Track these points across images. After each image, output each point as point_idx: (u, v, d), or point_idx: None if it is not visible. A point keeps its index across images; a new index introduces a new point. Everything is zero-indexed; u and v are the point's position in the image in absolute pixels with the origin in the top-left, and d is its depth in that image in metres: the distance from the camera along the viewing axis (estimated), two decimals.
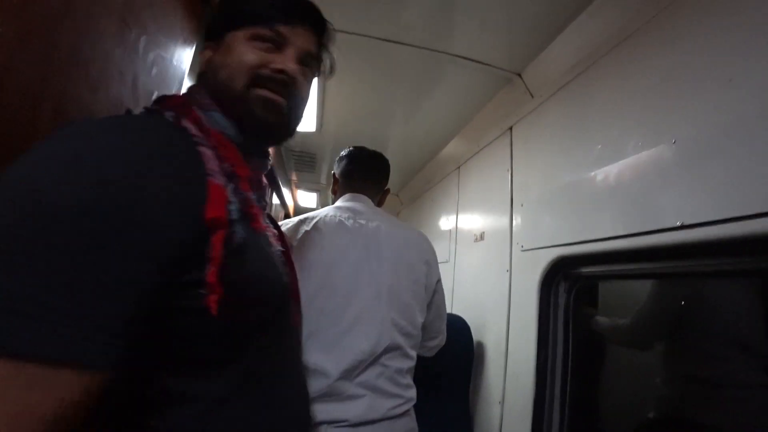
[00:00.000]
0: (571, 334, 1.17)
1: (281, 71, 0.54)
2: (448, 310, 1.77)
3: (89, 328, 0.31)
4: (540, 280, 1.18)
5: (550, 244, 1.16)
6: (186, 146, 0.41)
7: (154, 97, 0.70)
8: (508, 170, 1.41)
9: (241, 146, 0.53)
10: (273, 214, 2.83)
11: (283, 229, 0.81)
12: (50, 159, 0.32)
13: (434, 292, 1.12)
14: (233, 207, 0.42)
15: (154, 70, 0.75)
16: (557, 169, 1.18)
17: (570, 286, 1.18)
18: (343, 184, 1.17)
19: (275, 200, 2.71)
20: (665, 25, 0.84)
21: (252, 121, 0.53)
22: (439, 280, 1.15)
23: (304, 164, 2.43)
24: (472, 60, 1.25)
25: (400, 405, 0.93)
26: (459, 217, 1.82)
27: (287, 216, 3.53)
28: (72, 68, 0.54)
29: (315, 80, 0.69)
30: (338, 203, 1.12)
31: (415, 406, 1.00)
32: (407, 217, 2.74)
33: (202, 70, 0.58)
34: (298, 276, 0.66)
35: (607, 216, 0.94)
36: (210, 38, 0.59)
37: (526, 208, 1.31)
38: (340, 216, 1.04)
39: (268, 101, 0.53)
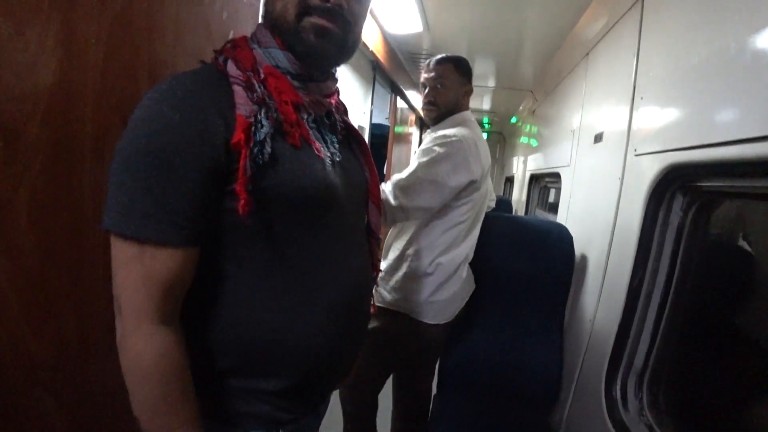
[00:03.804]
0: (679, 260, 0.97)
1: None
2: (560, 220, 1.65)
3: (169, 222, 0.46)
4: (647, 192, 0.98)
5: (663, 149, 0.92)
6: (219, 89, 0.51)
7: (230, 36, 0.85)
8: (634, 54, 1.10)
9: (299, 75, 0.58)
10: (400, 118, 2.92)
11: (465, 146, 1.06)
12: (131, 126, 0.47)
13: None
14: (262, 129, 0.50)
15: (225, 14, 0.89)
16: (687, 47, 0.87)
17: (688, 203, 0.94)
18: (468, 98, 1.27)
19: (402, 105, 2.76)
20: None
21: (306, 49, 0.56)
22: None
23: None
24: None
25: None
26: (583, 114, 1.54)
27: (420, 119, 3.55)
28: (153, 34, 0.72)
29: None
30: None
31: (509, 313, 1.30)
32: (540, 116, 2.41)
33: (263, 4, 0.61)
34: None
35: (738, 111, 0.69)
36: None
37: (645, 101, 1.03)
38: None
39: (318, 28, 0.55)
